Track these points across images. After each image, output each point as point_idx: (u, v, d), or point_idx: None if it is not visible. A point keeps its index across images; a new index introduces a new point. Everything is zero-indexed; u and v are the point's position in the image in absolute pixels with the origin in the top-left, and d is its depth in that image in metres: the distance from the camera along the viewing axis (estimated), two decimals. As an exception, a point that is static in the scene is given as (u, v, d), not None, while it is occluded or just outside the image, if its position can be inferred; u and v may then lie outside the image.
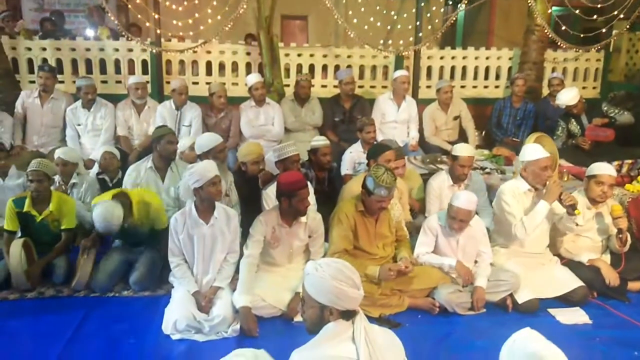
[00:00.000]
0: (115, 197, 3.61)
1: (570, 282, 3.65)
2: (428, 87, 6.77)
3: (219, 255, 3.47)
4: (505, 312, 3.55)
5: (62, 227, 3.91)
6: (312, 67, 6.64)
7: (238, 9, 5.73)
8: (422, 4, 6.71)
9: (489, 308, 3.56)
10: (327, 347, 1.83)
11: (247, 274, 3.38)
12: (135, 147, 5.47)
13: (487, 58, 6.94)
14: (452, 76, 6.85)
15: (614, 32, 6.71)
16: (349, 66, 6.52)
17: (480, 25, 9.77)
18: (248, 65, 6.49)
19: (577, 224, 3.71)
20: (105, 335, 3.18)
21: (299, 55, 6.62)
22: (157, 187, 4.22)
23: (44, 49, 6.25)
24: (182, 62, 6.44)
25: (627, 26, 6.52)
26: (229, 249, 3.50)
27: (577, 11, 6.49)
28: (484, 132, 6.43)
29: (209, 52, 6.43)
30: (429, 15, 7.86)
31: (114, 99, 5.76)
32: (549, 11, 6.68)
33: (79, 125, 5.48)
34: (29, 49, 6.24)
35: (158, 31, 6.09)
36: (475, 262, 3.74)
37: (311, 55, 6.62)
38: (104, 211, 3.42)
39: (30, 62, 6.25)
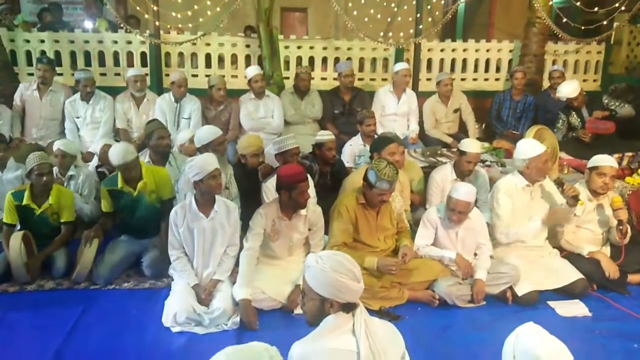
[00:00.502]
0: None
1: (570, 274, 3.65)
2: (428, 79, 6.74)
3: (219, 249, 3.46)
4: (505, 304, 3.55)
5: (62, 220, 3.91)
6: (311, 60, 6.61)
7: (237, 1, 5.70)
8: (423, -4, 6.68)
9: (489, 300, 3.56)
10: (327, 339, 1.84)
11: (247, 267, 3.37)
12: (134, 139, 5.45)
13: (487, 50, 6.91)
14: (452, 69, 6.82)
15: (615, 24, 6.67)
16: (348, 58, 6.50)
17: (480, 18, 9.74)
18: (247, 58, 6.47)
19: (575, 214, 3.71)
20: (105, 328, 3.19)
21: (299, 47, 6.59)
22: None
23: (43, 41, 6.23)
24: (181, 54, 6.41)
25: (628, 18, 6.48)
26: (229, 242, 3.49)
27: (578, 3, 6.45)
28: (484, 125, 6.41)
29: (208, 44, 6.40)
30: (429, 7, 7.85)
31: (113, 91, 5.73)
32: (550, 3, 6.66)
33: (77, 117, 5.47)
34: (28, 41, 6.22)
35: (157, 23, 6.06)
36: (475, 254, 3.74)
37: (311, 48, 6.60)
38: (121, 145, 3.89)
39: (28, 54, 6.23)
